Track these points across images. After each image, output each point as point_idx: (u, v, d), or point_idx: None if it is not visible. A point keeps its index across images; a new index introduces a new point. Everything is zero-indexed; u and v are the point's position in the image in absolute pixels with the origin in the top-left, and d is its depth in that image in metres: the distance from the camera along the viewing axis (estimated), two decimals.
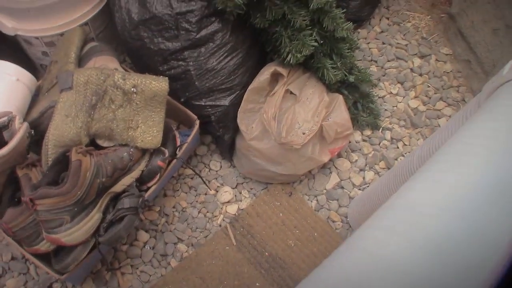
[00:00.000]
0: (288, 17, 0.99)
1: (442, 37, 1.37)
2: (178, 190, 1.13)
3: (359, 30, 1.36)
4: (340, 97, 1.13)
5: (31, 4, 0.98)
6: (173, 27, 0.98)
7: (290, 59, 1.01)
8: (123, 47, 1.12)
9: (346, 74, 1.13)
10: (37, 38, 1.06)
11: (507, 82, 0.50)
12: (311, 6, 0.98)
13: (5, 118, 0.86)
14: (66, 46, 1.01)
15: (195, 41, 0.98)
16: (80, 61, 1.02)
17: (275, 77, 1.08)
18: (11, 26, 1.03)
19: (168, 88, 0.93)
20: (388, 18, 1.39)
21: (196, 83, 1.02)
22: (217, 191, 1.14)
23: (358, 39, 1.34)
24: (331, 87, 1.13)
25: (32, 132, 0.90)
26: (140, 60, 1.06)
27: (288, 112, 1.06)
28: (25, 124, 0.88)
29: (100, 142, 0.94)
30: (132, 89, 0.92)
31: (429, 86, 1.29)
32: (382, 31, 1.36)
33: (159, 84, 0.93)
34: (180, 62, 1.01)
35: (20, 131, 0.86)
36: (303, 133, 1.06)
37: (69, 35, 1.02)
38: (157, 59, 1.01)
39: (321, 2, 0.98)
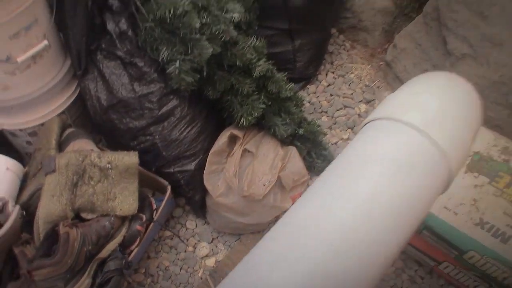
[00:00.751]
0: (236, 87, 1.22)
1: (383, 83, 1.61)
2: (160, 251, 1.31)
3: (308, 86, 1.60)
4: (294, 149, 1.34)
5: (13, 102, 1.20)
6: (138, 108, 1.19)
7: (243, 122, 1.22)
8: (97, 129, 1.33)
9: (296, 128, 1.34)
10: (21, 130, 1.27)
11: (367, 123, 0.60)
12: (254, 74, 1.21)
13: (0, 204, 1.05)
14: (47, 134, 1.21)
15: (158, 117, 1.20)
16: (61, 146, 1.22)
17: (233, 139, 1.29)
18: None
19: (138, 161, 1.14)
20: (333, 72, 1.63)
21: (163, 153, 1.22)
22: (195, 247, 1.31)
23: (308, 94, 1.58)
24: (284, 141, 1.34)
25: (24, 213, 1.08)
26: (113, 138, 1.27)
27: (248, 168, 1.27)
28: (17, 207, 1.06)
29: (84, 215, 1.13)
30: (108, 165, 1.12)
31: None
32: (329, 85, 1.60)
33: (130, 159, 1.14)
34: (148, 137, 1.22)
35: (13, 214, 1.05)
36: (263, 185, 1.25)
37: (49, 124, 1.23)
38: (127, 136, 1.22)
39: (262, 70, 1.21)
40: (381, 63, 1.64)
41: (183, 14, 1.10)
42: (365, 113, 1.54)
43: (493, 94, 1.29)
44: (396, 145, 0.50)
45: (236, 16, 1.18)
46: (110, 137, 1.29)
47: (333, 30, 1.71)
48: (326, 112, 1.54)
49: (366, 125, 0.58)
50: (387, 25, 1.62)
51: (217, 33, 1.14)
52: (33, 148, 1.27)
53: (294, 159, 1.32)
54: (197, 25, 1.11)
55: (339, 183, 0.49)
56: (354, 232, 0.45)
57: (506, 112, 1.30)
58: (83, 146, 1.20)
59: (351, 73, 1.63)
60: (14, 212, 1.05)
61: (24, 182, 1.19)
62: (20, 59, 1.10)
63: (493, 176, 1.16)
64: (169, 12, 1.11)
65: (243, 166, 1.27)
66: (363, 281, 0.46)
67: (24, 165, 1.21)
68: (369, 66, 1.65)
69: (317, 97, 1.58)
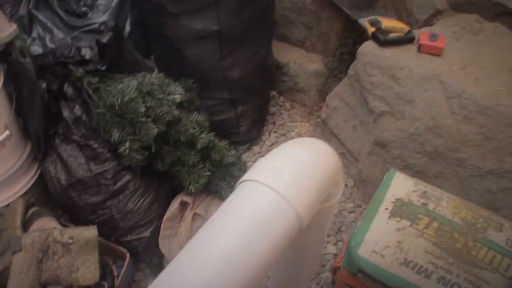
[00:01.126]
0: (182, 158, 1.40)
1: (321, 138, 1.82)
2: None
3: (253, 147, 1.79)
4: None
5: None
6: (95, 185, 1.36)
7: (191, 189, 1.40)
8: (59, 205, 1.48)
9: None
10: None
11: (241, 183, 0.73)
12: (198, 146, 1.40)
13: None
14: (12, 215, 1.36)
15: (114, 192, 1.37)
16: (25, 225, 1.37)
17: (184, 205, 1.46)
18: None
19: (97, 234, 1.29)
20: (275, 132, 1.84)
21: (120, 224, 1.38)
22: None
23: (254, 155, 1.77)
24: None
25: None
26: (73, 214, 1.42)
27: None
28: None
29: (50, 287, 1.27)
30: (69, 240, 1.27)
31: None
32: (272, 144, 1.80)
33: (90, 233, 1.29)
34: (105, 210, 1.38)
35: None
36: None
37: (13, 206, 1.38)
38: (86, 211, 1.38)
39: (204, 142, 1.40)
40: (318, 120, 1.86)
41: (130, 101, 1.29)
42: None
43: (412, 144, 1.51)
44: (255, 202, 0.68)
45: (177, 97, 1.38)
46: (70, 213, 1.45)
47: (274, 93, 1.94)
48: None
49: (239, 184, 0.73)
50: (320, 85, 1.85)
51: (161, 114, 1.33)
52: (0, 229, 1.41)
53: None
54: (142, 109, 1.30)
55: (208, 234, 0.66)
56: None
57: (425, 159, 1.52)
58: (46, 224, 1.35)
59: (292, 131, 1.84)
60: None
61: None
62: None
63: (414, 219, 1.35)
64: (117, 99, 1.29)
65: (194, 229, 1.43)
66: None
67: None
68: (308, 123, 1.86)
69: (262, 156, 1.77)
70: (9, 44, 1.32)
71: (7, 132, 1.31)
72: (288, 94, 1.92)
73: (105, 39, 1.35)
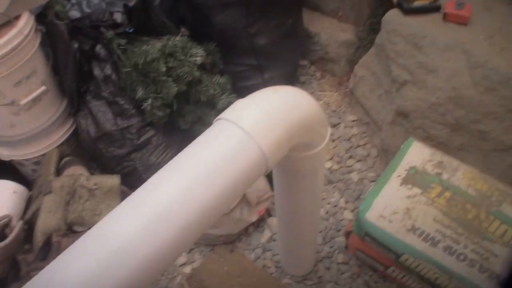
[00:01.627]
0: (203, 118, 1.47)
1: (348, 108, 1.83)
2: None
3: None
4: None
5: (19, 137, 1.49)
6: (120, 138, 1.46)
7: None
8: (92, 159, 1.61)
9: None
10: (26, 160, 1.56)
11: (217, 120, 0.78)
12: (218, 107, 1.46)
13: (5, 220, 1.33)
14: (47, 163, 1.49)
15: (137, 146, 1.46)
16: (59, 172, 1.50)
17: None
18: (6, 154, 1.54)
19: (120, 182, 1.39)
20: None
21: (143, 176, 1.48)
22: None
23: None
24: None
25: (26, 227, 1.35)
26: (102, 165, 1.54)
27: None
28: (20, 222, 1.33)
29: (75, 228, 1.39)
30: (94, 186, 1.38)
31: (340, 149, 1.72)
32: None
33: (113, 180, 1.40)
34: (130, 163, 1.48)
35: (16, 228, 1.31)
36: None
37: (48, 154, 1.51)
38: (113, 162, 1.49)
39: (224, 103, 1.46)
40: (346, 90, 1.86)
41: (152, 61, 1.37)
42: (331, 136, 1.75)
43: (433, 115, 1.49)
44: (221, 137, 0.72)
45: (198, 59, 1.44)
46: (100, 164, 1.56)
47: (305, 62, 1.95)
48: None
49: (214, 122, 0.78)
50: (350, 55, 1.84)
51: (181, 74, 1.41)
52: (36, 176, 1.55)
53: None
54: (164, 69, 1.37)
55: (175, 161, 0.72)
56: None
57: (446, 131, 1.49)
58: (76, 172, 1.47)
59: (320, 100, 1.85)
60: (17, 226, 1.32)
61: (29, 203, 1.47)
62: (22, 102, 1.39)
63: (426, 188, 1.35)
64: (141, 58, 1.38)
65: None
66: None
67: (30, 190, 1.49)
68: (337, 93, 1.87)
69: None
70: (46, 7, 1.44)
71: (43, 88, 1.43)
72: (318, 63, 1.94)
73: (131, 3, 1.43)
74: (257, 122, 0.74)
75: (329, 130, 0.93)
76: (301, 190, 1.06)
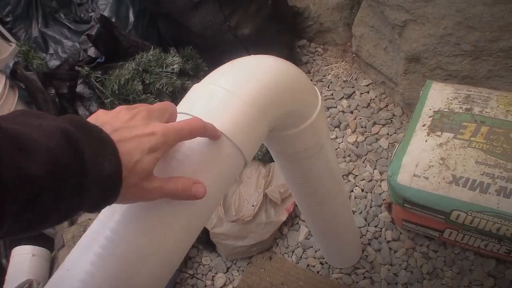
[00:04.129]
0: None
1: (359, 73, 1.64)
2: None
3: None
4: (275, 164, 1.41)
5: None
6: None
7: None
8: None
9: None
10: None
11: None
12: None
13: (26, 285, 1.26)
14: None
15: None
16: (72, 222, 1.42)
17: None
18: None
19: None
20: (312, 80, 1.69)
21: None
22: (213, 281, 1.41)
23: None
24: (264, 160, 1.42)
25: None
26: None
27: (234, 194, 1.36)
28: (41, 284, 1.26)
29: None
30: None
31: (361, 118, 1.53)
32: None
33: None
34: None
35: None
36: (252, 206, 1.34)
37: None
38: None
39: None
40: (353, 55, 1.67)
41: (126, 82, 1.28)
42: (348, 108, 1.57)
43: (446, 48, 1.28)
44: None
45: (175, 67, 1.32)
46: None
47: (304, 41, 1.79)
48: None
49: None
50: (346, 18, 1.66)
51: (161, 87, 1.29)
52: (54, 233, 1.48)
53: (277, 173, 1.40)
54: (140, 87, 1.27)
55: None
56: None
57: (467, 61, 1.28)
58: (86, 219, 1.39)
59: (328, 74, 1.68)
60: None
61: (53, 262, 1.40)
62: None
63: (457, 129, 1.14)
64: (116, 84, 1.28)
65: (229, 195, 1.37)
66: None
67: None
68: (343, 62, 1.69)
69: None
70: (16, 63, 1.39)
71: None
72: (317, 38, 1.76)
73: (93, 31, 1.35)
74: (234, 81, 0.61)
75: (319, 96, 0.76)
76: (314, 173, 0.89)
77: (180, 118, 0.55)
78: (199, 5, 1.49)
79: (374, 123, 1.51)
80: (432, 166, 1.11)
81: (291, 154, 0.83)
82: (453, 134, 1.14)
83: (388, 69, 1.48)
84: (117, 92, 1.28)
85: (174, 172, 0.52)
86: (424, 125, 1.19)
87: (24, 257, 1.37)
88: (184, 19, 1.52)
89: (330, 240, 1.22)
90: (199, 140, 0.54)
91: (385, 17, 1.38)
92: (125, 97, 1.30)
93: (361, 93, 1.59)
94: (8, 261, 1.43)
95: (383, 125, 1.50)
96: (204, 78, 0.63)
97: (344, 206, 1.09)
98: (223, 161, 0.57)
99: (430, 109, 1.21)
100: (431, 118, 1.19)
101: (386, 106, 1.53)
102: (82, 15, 1.63)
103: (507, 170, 1.06)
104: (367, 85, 1.60)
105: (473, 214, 1.06)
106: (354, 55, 1.66)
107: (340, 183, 1.01)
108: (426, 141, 1.16)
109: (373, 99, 1.56)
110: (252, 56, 0.70)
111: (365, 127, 1.51)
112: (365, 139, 1.49)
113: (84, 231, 1.27)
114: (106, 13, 1.55)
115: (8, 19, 1.64)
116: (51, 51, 1.60)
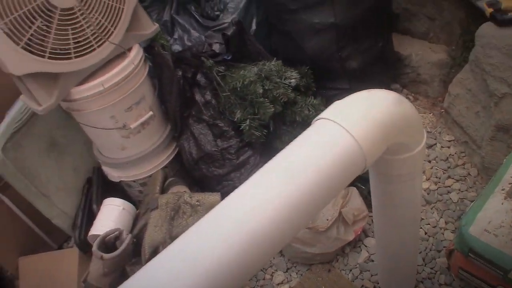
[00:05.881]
0: None
1: (444, 128, 1.85)
2: None
3: None
4: (354, 189, 1.63)
5: (128, 159, 1.67)
6: (220, 159, 1.60)
7: None
8: (192, 179, 1.76)
9: None
10: (134, 181, 1.74)
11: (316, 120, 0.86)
12: None
13: (117, 232, 1.49)
14: (153, 183, 1.66)
15: (237, 166, 1.59)
16: (163, 191, 1.66)
17: None
18: (116, 175, 1.73)
19: (220, 199, 1.52)
20: None
21: None
22: (272, 276, 1.63)
23: None
24: None
25: (135, 241, 1.50)
26: (203, 185, 1.68)
27: None
28: (130, 236, 1.49)
29: None
30: (197, 202, 1.52)
31: (437, 169, 1.74)
32: None
33: (214, 198, 1.52)
34: (229, 182, 1.60)
35: (126, 240, 1.47)
36: (327, 219, 1.55)
37: (154, 175, 1.68)
38: (213, 182, 1.62)
39: None
40: (442, 110, 1.89)
41: (249, 83, 1.52)
42: (427, 157, 1.78)
43: None
44: (323, 134, 0.80)
45: (292, 81, 1.56)
46: (201, 184, 1.70)
47: (397, 86, 2.02)
48: None
49: (314, 122, 0.86)
50: (444, 75, 1.88)
51: (277, 95, 1.53)
52: (143, 196, 1.72)
53: (354, 197, 1.61)
54: (260, 90, 1.51)
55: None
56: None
57: None
58: (180, 190, 1.62)
59: None
60: (127, 239, 1.48)
61: (136, 220, 1.63)
62: (132, 126, 1.58)
63: None
64: (239, 82, 1.53)
65: None
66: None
67: (136, 209, 1.66)
68: (431, 114, 1.90)
69: None
70: (153, 40, 1.65)
71: (150, 113, 1.62)
72: (411, 86, 1.99)
73: (229, 32, 1.60)
74: (353, 118, 0.82)
75: (425, 135, 0.98)
76: (399, 196, 1.11)
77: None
78: (320, 32, 1.73)
79: (449, 177, 1.72)
80: (503, 226, 1.31)
81: (390, 175, 1.04)
82: None
83: (474, 131, 1.69)
84: (238, 89, 1.53)
85: None
86: (503, 190, 1.39)
87: (115, 208, 1.60)
88: (302, 40, 1.77)
89: (391, 265, 1.42)
90: None
91: (486, 85, 1.60)
92: (244, 96, 1.54)
93: (442, 147, 1.80)
94: (98, 208, 1.67)
95: (457, 181, 1.70)
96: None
97: (414, 236, 1.30)
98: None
99: (511, 177, 1.41)
100: (511, 185, 1.39)
101: (463, 164, 1.74)
102: (209, 12, 1.90)
103: None
104: (449, 141, 1.81)
105: None
106: (443, 110, 1.87)
107: (416, 214, 1.23)
108: (502, 203, 1.36)
109: (452, 155, 1.77)
110: (376, 92, 0.91)
111: (440, 178, 1.72)
112: (437, 189, 1.70)
113: (178, 200, 1.50)
114: (236, 17, 1.81)
115: (145, 0, 1.91)
116: (175, 36, 1.86)
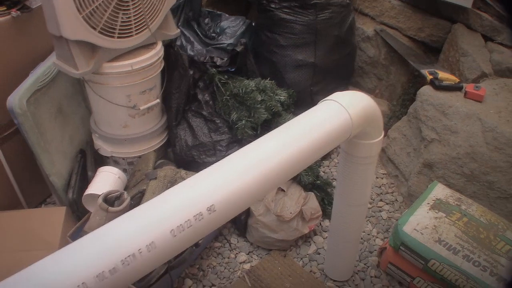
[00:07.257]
0: None
1: (379, 163, 2.41)
2: (210, 255, 1.98)
3: (323, 161, 2.40)
4: (312, 194, 2.08)
5: (128, 137, 1.99)
6: (212, 149, 1.98)
7: None
8: (178, 164, 2.10)
9: (315, 179, 2.11)
10: (123, 158, 2.05)
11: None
12: None
13: (118, 193, 1.78)
14: (146, 160, 1.99)
15: (225, 157, 1.97)
16: (154, 169, 1.99)
17: None
18: (109, 150, 2.03)
19: None
20: None
21: None
22: (236, 255, 1.99)
23: (323, 167, 2.36)
24: (306, 187, 2.10)
25: (132, 202, 1.81)
26: (190, 169, 2.03)
27: (280, 200, 2.01)
28: (129, 197, 1.79)
29: None
30: None
31: (372, 193, 2.27)
32: (338, 162, 2.40)
33: None
34: None
35: (127, 199, 1.77)
36: (290, 213, 1.98)
37: (147, 155, 2.01)
38: (201, 167, 1.98)
39: None
40: None
41: (250, 91, 1.96)
42: None
43: (453, 166, 2.08)
44: (326, 108, 1.28)
45: (282, 97, 2.04)
46: (188, 168, 2.06)
47: None
48: (335, 179, 2.32)
49: (319, 103, 1.36)
50: (384, 123, 2.47)
51: (270, 106, 1.99)
52: (133, 171, 2.03)
53: (312, 200, 2.07)
54: (259, 98, 1.95)
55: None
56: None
57: (462, 180, 2.08)
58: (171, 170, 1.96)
59: None
60: (127, 199, 1.78)
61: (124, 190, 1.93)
62: (142, 107, 1.93)
63: (448, 213, 1.89)
64: (241, 89, 1.97)
65: (277, 199, 2.01)
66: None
67: None
68: None
69: (330, 168, 2.37)
70: (171, 41, 2.05)
71: (158, 100, 1.98)
72: None
73: (239, 48, 2.06)
74: (350, 100, 1.31)
75: (383, 133, 1.49)
76: (357, 175, 1.57)
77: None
78: (300, 67, 2.25)
79: (381, 200, 2.25)
80: (427, 228, 1.84)
81: (355, 157, 1.52)
82: (445, 215, 1.89)
83: (405, 167, 2.27)
84: (240, 95, 1.96)
85: None
86: (428, 204, 1.93)
87: (111, 176, 1.90)
88: (285, 71, 2.27)
89: (339, 247, 1.87)
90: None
91: (419, 131, 2.19)
92: (243, 101, 1.97)
93: (377, 177, 2.35)
94: (93, 174, 1.95)
95: (387, 203, 2.24)
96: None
97: (362, 216, 1.78)
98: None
99: (434, 197, 1.97)
100: (434, 201, 1.94)
101: (392, 192, 2.29)
102: (207, 33, 2.34)
103: (472, 246, 1.79)
104: (383, 173, 2.37)
105: (444, 266, 1.77)
106: (381, 150, 2.44)
107: (367, 197, 1.71)
108: (427, 212, 1.89)
109: (384, 184, 2.32)
110: (360, 93, 1.43)
111: (374, 199, 2.25)
112: (372, 207, 2.22)
113: (175, 174, 1.86)
114: (231, 41, 2.27)
115: None
116: (179, 42, 2.26)
